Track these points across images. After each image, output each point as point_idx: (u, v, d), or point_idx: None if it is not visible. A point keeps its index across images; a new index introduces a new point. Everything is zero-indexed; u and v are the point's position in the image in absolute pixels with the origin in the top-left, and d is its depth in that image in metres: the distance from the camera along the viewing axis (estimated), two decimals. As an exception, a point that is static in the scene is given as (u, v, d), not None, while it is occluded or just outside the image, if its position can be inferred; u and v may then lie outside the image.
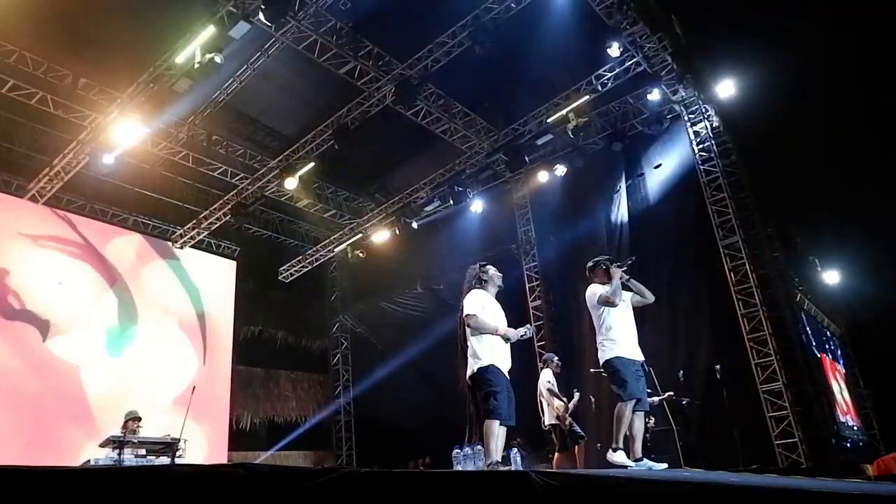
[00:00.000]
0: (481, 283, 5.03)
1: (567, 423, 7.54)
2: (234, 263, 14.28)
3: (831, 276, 17.87)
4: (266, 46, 10.00)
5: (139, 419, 7.68)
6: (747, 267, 10.22)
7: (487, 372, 4.64)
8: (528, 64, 11.00)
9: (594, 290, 5.40)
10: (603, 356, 5.22)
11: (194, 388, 8.45)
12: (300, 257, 14.95)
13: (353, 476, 2.16)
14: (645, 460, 4.98)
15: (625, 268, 5.41)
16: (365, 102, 10.74)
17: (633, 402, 4.99)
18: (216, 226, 13.04)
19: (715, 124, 11.19)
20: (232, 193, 12.42)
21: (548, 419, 7.65)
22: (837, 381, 15.49)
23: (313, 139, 11.41)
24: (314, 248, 14.78)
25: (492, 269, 5.16)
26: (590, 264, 5.64)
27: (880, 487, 3.35)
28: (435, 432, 4.72)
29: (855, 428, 15.10)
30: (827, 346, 15.90)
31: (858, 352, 18.14)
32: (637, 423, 5.06)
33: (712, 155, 10.98)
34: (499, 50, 9.82)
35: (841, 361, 17.11)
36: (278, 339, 15.03)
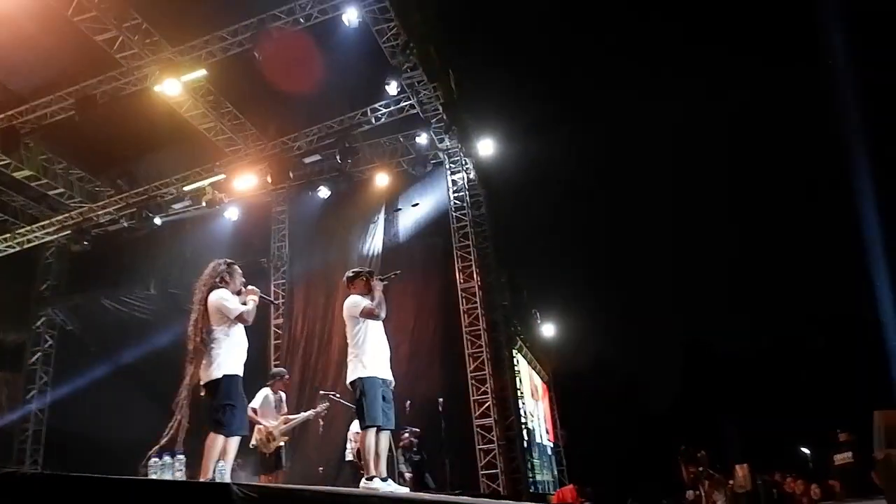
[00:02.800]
0: (224, 282, 4.67)
1: (270, 448, 7.24)
2: (-87, 229, 11.66)
3: (547, 329, 20.38)
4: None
5: None
6: (479, 311, 11.20)
7: (231, 383, 4.35)
8: (309, 81, 10.95)
9: (356, 302, 5.12)
10: (353, 373, 4.96)
11: None
12: (8, 235, 12.74)
13: (14, 479, 1.86)
14: (389, 480, 4.88)
15: (386, 282, 5.26)
16: (121, 78, 9.77)
17: (374, 428, 4.84)
18: None
19: (471, 177, 12.22)
20: (-73, 145, 10.24)
21: (252, 440, 7.34)
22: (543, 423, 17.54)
23: (49, 104, 10.01)
24: (28, 228, 12.76)
25: (238, 271, 4.81)
26: (349, 274, 5.35)
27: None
28: (149, 449, 4.21)
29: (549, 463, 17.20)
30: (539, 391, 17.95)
31: (559, 397, 20.81)
32: (383, 443, 4.92)
33: (465, 204, 11.94)
34: (281, 61, 9.65)
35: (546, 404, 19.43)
36: (-42, 326, 12.45)
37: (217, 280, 4.65)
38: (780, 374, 22.36)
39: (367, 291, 5.20)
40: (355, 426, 8.45)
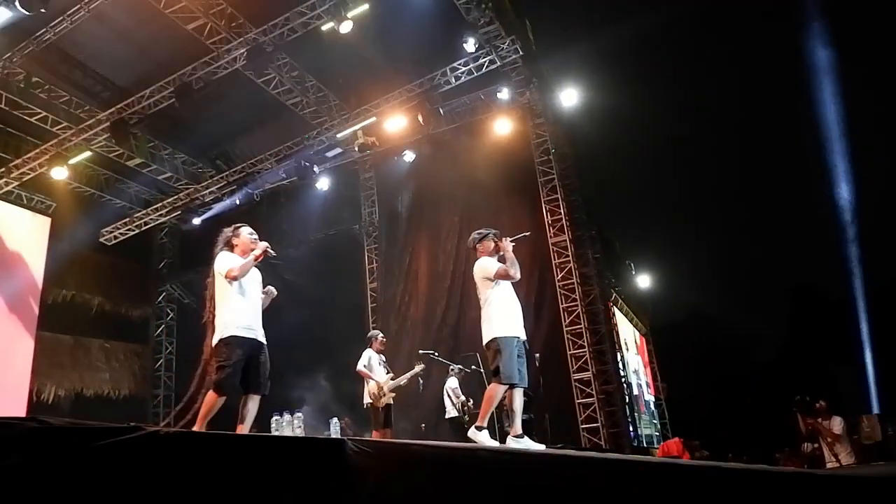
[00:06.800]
0: (230, 247, 4.69)
1: (382, 403, 7.62)
2: (47, 220, 12.90)
3: (643, 280, 19.92)
4: (105, -14, 9.10)
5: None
6: (572, 265, 11.07)
7: (225, 345, 4.36)
8: (386, 47, 11.03)
9: (485, 265, 5.21)
10: (488, 334, 5.03)
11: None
12: (127, 219, 13.82)
13: (157, 437, 2.10)
14: (525, 438, 4.92)
15: (515, 243, 5.24)
16: (213, 63, 10.17)
17: (508, 386, 4.88)
18: (29, 177, 11.79)
19: (556, 128, 11.94)
20: (51, 143, 11.24)
21: (364, 398, 7.74)
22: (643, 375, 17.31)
23: (151, 95, 10.59)
24: (144, 211, 13.75)
25: (245, 231, 4.76)
26: (476, 236, 5.43)
27: (641, 459, 3.85)
28: (266, 407, 4.57)
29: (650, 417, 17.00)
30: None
31: (658, 349, 20.38)
32: (517, 400, 4.96)
33: (550, 157, 11.72)
34: (358, 29, 9.76)
35: (645, 357, 19.12)
36: (94, 306, 13.79)
37: (220, 248, 4.67)
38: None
39: (495, 252, 5.27)
40: (451, 382, 8.70)
